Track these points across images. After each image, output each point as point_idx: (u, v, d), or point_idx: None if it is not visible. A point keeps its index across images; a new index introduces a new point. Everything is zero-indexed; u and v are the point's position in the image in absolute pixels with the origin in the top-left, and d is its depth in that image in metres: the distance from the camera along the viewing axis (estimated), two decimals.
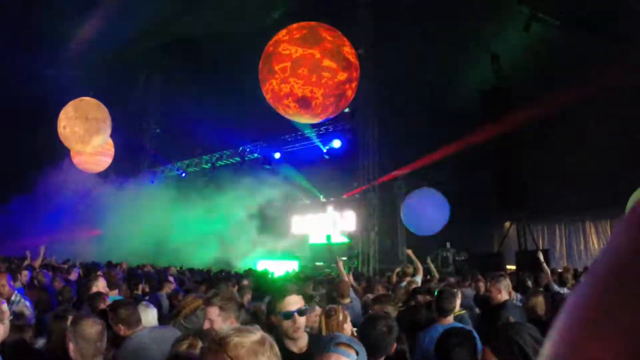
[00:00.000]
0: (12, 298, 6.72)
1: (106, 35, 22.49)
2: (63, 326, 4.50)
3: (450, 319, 5.35)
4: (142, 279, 10.30)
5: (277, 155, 24.68)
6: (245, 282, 9.35)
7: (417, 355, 5.03)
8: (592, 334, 0.50)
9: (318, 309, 5.88)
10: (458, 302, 5.88)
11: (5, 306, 3.94)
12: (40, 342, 5.11)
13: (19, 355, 3.92)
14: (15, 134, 23.14)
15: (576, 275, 11.08)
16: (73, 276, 11.41)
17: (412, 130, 18.97)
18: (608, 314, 0.50)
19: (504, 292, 6.68)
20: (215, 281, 8.33)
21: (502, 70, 19.98)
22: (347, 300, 7.41)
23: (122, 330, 4.61)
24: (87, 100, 14.73)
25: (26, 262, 11.68)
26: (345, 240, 23.39)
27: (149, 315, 5.35)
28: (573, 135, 17.63)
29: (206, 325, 4.06)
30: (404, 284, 9.27)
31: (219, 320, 4.09)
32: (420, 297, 6.87)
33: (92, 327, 3.66)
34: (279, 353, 1.96)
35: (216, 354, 1.85)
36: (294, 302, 3.63)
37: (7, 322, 3.89)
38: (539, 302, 6.22)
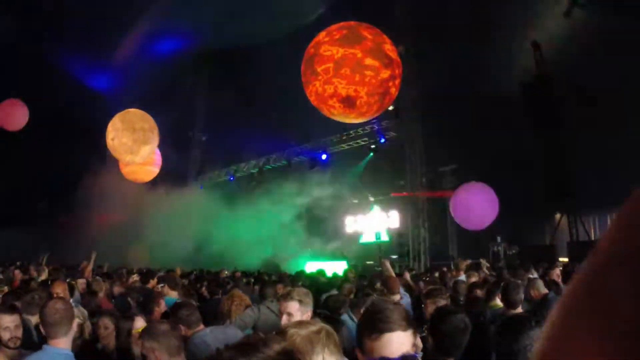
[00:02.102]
0: None
1: (151, 45, 22.89)
2: (128, 327, 4.65)
3: (519, 310, 5.40)
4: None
5: (324, 156, 24.74)
6: (299, 283, 9.45)
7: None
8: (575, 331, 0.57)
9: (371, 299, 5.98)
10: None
11: (75, 308, 4.08)
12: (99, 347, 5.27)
13: (87, 356, 4.04)
14: (64, 145, 23.61)
15: None
16: (132, 282, 11.65)
17: (456, 125, 18.82)
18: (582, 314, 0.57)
19: (537, 289, 6.79)
20: (269, 283, 8.41)
21: (544, 58, 19.70)
22: (397, 297, 7.43)
23: (183, 330, 4.72)
24: (134, 111, 14.94)
25: (85, 268, 11.99)
26: (393, 238, 23.34)
27: None
28: (622, 121, 17.26)
29: (284, 320, 4.18)
30: (462, 277, 9.27)
31: (298, 314, 4.24)
32: (478, 291, 6.91)
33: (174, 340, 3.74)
34: (337, 341, 2.03)
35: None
36: (398, 342, 2.28)
37: (74, 324, 4.02)
38: None
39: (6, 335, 4.33)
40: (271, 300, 6.61)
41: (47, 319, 3.87)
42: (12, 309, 4.65)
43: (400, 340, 2.29)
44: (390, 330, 2.24)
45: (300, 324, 2.05)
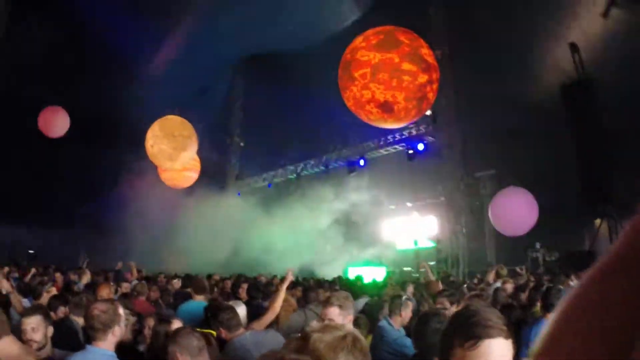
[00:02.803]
0: None
1: (188, 52, 23.14)
2: (167, 329, 4.71)
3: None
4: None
5: (361, 162, 24.69)
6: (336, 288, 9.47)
7: (523, 352, 5.04)
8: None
9: (411, 304, 5.96)
10: None
11: (121, 310, 4.15)
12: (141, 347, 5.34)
13: (126, 355, 4.09)
14: (103, 151, 23.98)
15: None
16: (175, 286, 11.82)
17: (494, 129, 18.66)
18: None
19: None
20: (308, 288, 8.44)
21: (583, 60, 19.45)
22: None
23: (223, 333, 4.77)
24: (173, 118, 15.14)
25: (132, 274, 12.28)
26: (432, 244, 23.21)
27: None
28: None
29: None
30: (498, 284, 9.20)
31: (339, 319, 4.24)
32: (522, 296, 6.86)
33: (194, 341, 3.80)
34: (365, 348, 1.99)
35: (301, 350, 1.90)
36: (500, 352, 1.93)
37: (122, 324, 4.09)
38: None
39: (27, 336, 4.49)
40: (316, 305, 6.65)
41: (91, 321, 3.94)
42: (34, 310, 4.81)
43: (501, 350, 1.91)
44: (491, 336, 1.89)
45: (325, 328, 1.99)
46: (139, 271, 14.95)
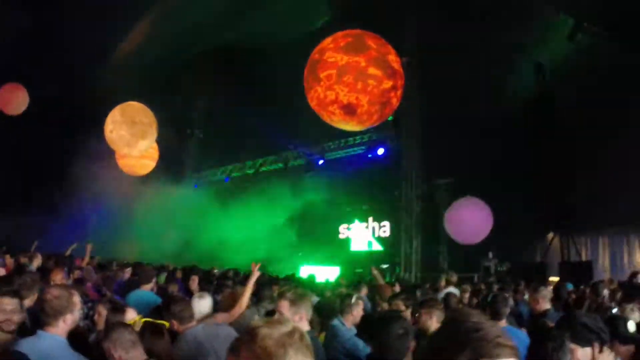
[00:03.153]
0: None
1: (152, 41, 22.91)
2: (117, 319, 4.67)
3: (503, 323, 5.48)
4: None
5: (320, 161, 24.74)
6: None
7: None
8: None
9: (361, 303, 6.02)
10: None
11: (77, 297, 4.09)
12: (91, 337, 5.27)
13: (76, 346, 4.04)
14: (59, 136, 23.62)
15: (613, 290, 10.68)
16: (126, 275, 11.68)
17: (455, 139, 18.86)
18: None
19: (544, 301, 6.79)
20: (262, 284, 8.41)
21: (546, 79, 19.84)
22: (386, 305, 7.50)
23: (175, 325, 4.75)
24: (134, 104, 14.94)
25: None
26: (386, 247, 23.39)
27: (203, 306, 5.58)
28: (618, 144, 17.39)
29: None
30: (452, 288, 9.33)
31: (288, 314, 4.29)
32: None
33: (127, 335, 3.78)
34: (310, 344, 1.96)
35: (247, 345, 1.86)
36: None
37: (76, 313, 4.03)
38: None
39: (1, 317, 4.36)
40: (269, 302, 6.66)
41: (43, 304, 3.89)
42: (13, 293, 4.70)
43: None
44: (500, 357, 1.49)
45: (271, 323, 1.95)
46: (91, 258, 14.78)
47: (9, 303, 4.37)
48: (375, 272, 9.96)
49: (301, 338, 1.90)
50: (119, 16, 21.49)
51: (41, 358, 3.69)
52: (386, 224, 23.97)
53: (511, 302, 9.02)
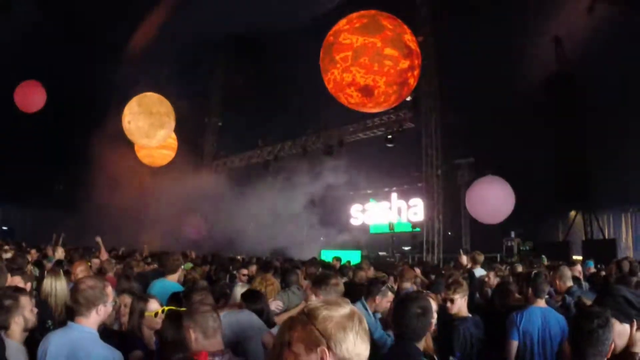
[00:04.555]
0: None
1: (168, 30, 22.88)
2: (141, 307, 4.65)
3: (543, 302, 5.40)
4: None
5: (339, 145, 24.61)
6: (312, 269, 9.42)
7: (513, 336, 5.19)
8: None
9: (390, 295, 5.94)
10: None
11: (110, 289, 4.07)
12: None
13: (104, 335, 4.03)
14: (80, 127, 23.72)
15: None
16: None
17: (474, 118, 18.70)
18: None
19: (567, 279, 6.75)
20: (286, 270, 8.37)
21: (566, 54, 19.55)
22: (408, 284, 7.43)
23: None
24: (150, 95, 14.94)
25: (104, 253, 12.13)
26: (410, 229, 23.29)
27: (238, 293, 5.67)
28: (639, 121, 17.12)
29: None
30: (480, 270, 9.22)
31: (312, 296, 4.49)
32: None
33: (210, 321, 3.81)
34: (367, 328, 1.93)
35: (304, 326, 1.86)
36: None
37: (109, 305, 4.01)
38: None
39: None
40: (297, 287, 6.64)
41: (76, 294, 3.87)
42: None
43: None
44: None
45: (329, 304, 1.91)
46: (114, 249, 14.87)
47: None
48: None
49: (360, 321, 1.90)
50: (137, 5, 21.51)
51: (70, 350, 3.69)
52: (406, 205, 23.86)
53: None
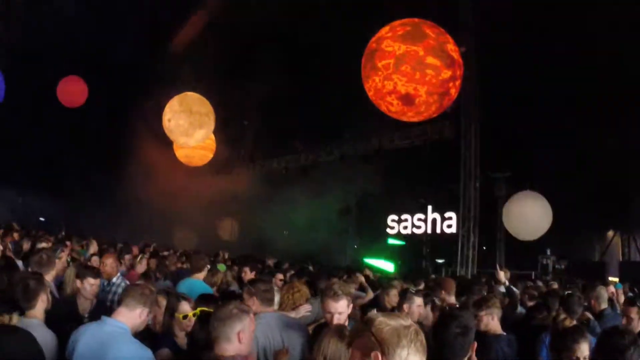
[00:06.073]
0: (114, 279, 7.14)
1: (211, 32, 23.05)
2: (172, 306, 4.70)
3: (574, 321, 5.35)
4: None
5: (377, 152, 24.47)
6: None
7: (542, 354, 5.25)
8: None
9: (417, 299, 5.88)
10: None
11: (161, 298, 4.28)
12: None
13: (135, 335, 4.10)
14: (120, 123, 24.03)
15: None
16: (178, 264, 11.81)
17: (514, 132, 18.48)
18: None
19: (599, 302, 6.73)
20: (322, 277, 8.39)
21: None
22: (452, 298, 7.35)
23: (255, 305, 4.68)
24: (192, 94, 15.15)
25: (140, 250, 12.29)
26: (445, 241, 23.10)
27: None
28: None
29: (336, 320, 4.34)
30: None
31: (349, 310, 4.48)
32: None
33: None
34: (424, 342, 1.94)
35: (362, 333, 1.92)
36: None
37: (148, 309, 4.16)
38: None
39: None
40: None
41: (124, 293, 4.10)
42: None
43: None
44: None
45: (390, 315, 1.99)
46: (147, 246, 15.03)
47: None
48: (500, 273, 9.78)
49: (417, 333, 1.95)
50: (179, 5, 21.70)
51: (100, 343, 3.78)
52: (442, 218, 23.64)
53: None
